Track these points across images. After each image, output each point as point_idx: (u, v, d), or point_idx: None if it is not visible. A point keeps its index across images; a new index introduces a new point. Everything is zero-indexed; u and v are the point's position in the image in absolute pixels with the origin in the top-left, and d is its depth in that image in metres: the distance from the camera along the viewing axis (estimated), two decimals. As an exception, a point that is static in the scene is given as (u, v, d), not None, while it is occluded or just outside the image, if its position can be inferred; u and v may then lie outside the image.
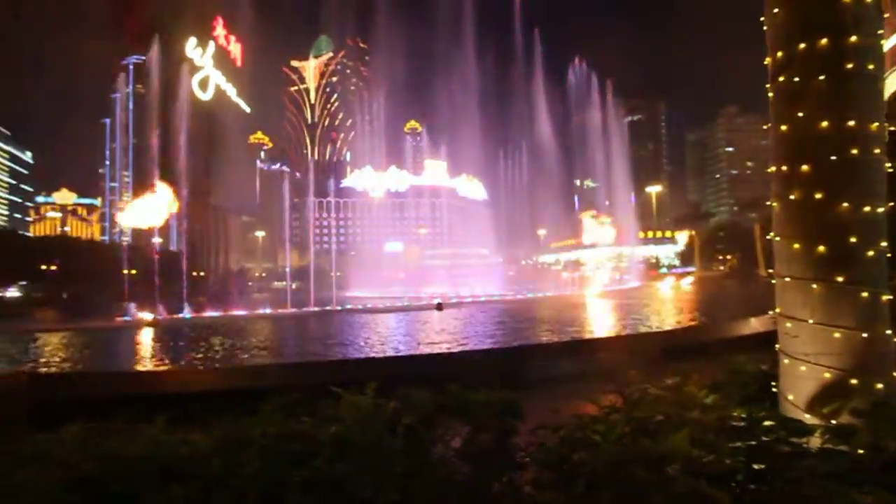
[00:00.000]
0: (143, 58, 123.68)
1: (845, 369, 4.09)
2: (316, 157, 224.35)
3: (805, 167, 4.31)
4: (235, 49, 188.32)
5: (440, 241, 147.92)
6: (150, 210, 51.35)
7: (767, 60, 4.68)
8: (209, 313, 44.49)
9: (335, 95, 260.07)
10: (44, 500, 2.74)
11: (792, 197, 4.40)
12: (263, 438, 3.33)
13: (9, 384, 9.28)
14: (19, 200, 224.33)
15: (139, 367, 19.31)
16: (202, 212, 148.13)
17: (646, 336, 19.98)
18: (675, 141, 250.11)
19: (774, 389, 4.70)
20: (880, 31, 4.40)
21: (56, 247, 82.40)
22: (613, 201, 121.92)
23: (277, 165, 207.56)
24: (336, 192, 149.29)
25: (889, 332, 4.20)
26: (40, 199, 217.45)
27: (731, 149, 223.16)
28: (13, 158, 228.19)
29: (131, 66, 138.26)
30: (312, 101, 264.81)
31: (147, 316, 38.64)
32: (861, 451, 3.16)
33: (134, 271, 62.22)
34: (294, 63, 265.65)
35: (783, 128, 4.49)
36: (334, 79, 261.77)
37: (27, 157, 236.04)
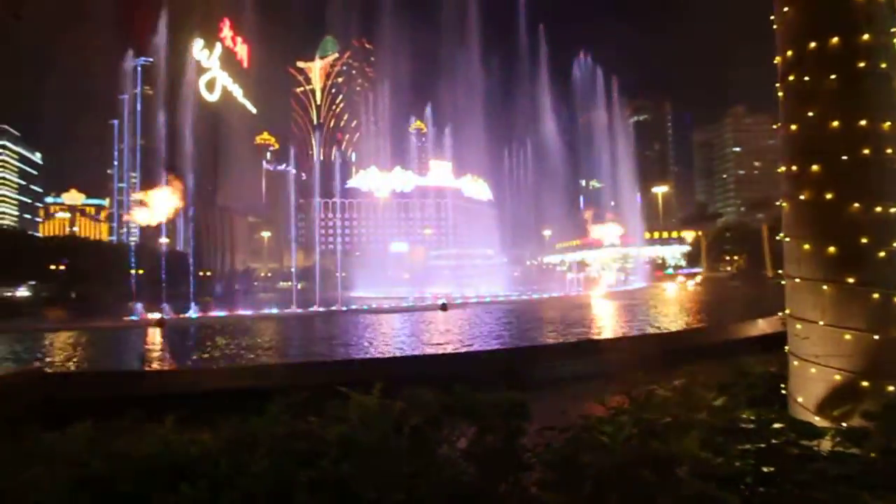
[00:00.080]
0: (151, 59, 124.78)
1: (856, 371, 4.04)
2: (321, 157, 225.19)
3: (816, 167, 4.27)
4: (242, 50, 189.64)
5: (445, 241, 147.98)
6: (158, 204, 51.70)
7: (777, 59, 4.64)
8: (215, 313, 44.71)
9: (341, 96, 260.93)
10: (54, 498, 2.76)
11: (802, 197, 4.36)
12: (271, 438, 3.34)
13: (18, 383, 9.37)
14: (29, 201, 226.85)
15: (146, 367, 19.44)
16: (209, 212, 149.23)
17: (651, 337, 19.88)
18: (681, 141, 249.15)
19: (783, 391, 4.66)
20: (893, 30, 4.34)
21: (64, 247, 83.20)
22: (619, 202, 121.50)
23: (283, 166, 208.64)
24: (341, 193, 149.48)
25: (901, 333, 4.15)
26: (49, 199, 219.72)
27: (738, 149, 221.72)
28: (23, 159, 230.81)
29: (139, 68, 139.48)
30: (318, 102, 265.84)
31: (154, 315, 38.89)
32: (873, 455, 3.11)
33: (141, 271, 62.72)
34: (300, 64, 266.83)
35: (793, 127, 4.45)
36: (340, 79, 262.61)
37: (36, 157, 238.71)
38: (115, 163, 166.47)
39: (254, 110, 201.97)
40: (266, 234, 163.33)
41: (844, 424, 3.73)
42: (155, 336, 29.80)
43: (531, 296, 62.67)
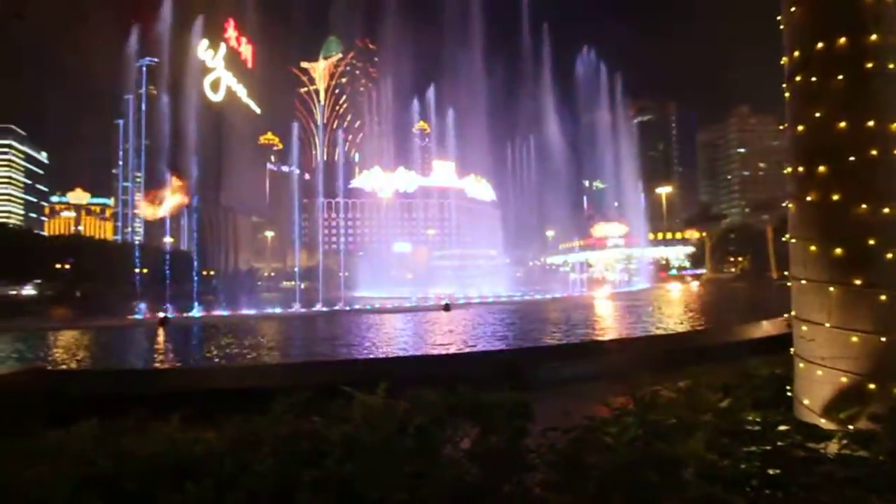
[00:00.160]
0: (156, 59, 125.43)
1: (863, 374, 4.01)
2: (325, 157, 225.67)
3: (822, 168, 4.24)
4: (246, 50, 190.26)
5: (448, 241, 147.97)
6: (164, 200, 52.17)
7: (784, 60, 4.61)
8: (219, 312, 44.85)
9: (344, 97, 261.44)
10: (60, 495, 2.77)
11: (809, 198, 4.33)
12: (274, 438, 3.34)
13: (22, 381, 9.42)
14: (34, 200, 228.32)
15: (151, 365, 19.52)
16: (212, 211, 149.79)
17: (655, 339, 19.81)
18: (685, 141, 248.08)
19: (789, 394, 4.63)
20: (901, 30, 4.31)
21: (70, 246, 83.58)
22: (622, 202, 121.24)
23: (287, 166, 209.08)
24: (345, 193, 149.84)
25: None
26: (55, 198, 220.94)
27: (743, 149, 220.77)
28: (29, 158, 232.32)
29: (144, 68, 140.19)
30: (322, 102, 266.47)
31: (158, 314, 39.03)
32: (881, 458, 3.09)
33: (145, 270, 63.03)
34: (304, 64, 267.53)
35: (800, 128, 4.42)
36: (343, 80, 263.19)
37: (42, 157, 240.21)
38: (120, 162, 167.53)
39: (258, 110, 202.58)
40: (269, 234, 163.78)
41: (851, 427, 3.70)
42: (158, 335, 29.92)
43: (534, 296, 62.60)
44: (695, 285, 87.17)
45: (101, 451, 3.16)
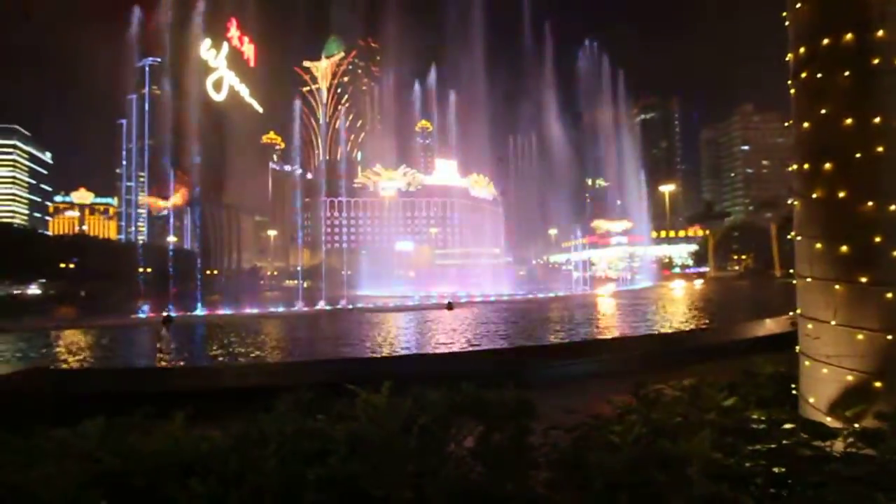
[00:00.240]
0: (159, 59, 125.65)
1: (869, 372, 3.99)
2: (328, 156, 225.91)
3: (828, 165, 4.21)
4: (249, 50, 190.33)
5: (451, 240, 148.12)
6: (169, 195, 52.56)
7: (789, 56, 4.58)
8: (222, 311, 45.00)
9: (346, 96, 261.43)
10: (66, 493, 2.78)
11: (814, 195, 4.31)
12: (279, 436, 3.35)
13: (28, 380, 9.48)
14: (39, 199, 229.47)
15: (155, 364, 19.61)
16: (215, 211, 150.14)
17: (659, 337, 19.78)
18: (688, 139, 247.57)
19: (794, 392, 4.62)
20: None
21: (74, 245, 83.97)
22: (625, 200, 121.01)
23: (289, 166, 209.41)
24: (347, 192, 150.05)
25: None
26: (59, 198, 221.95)
27: (746, 147, 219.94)
28: (33, 158, 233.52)
29: (147, 68, 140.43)
30: (324, 101, 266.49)
31: (162, 313, 39.19)
32: (888, 457, 3.07)
33: (149, 269, 63.27)
34: (306, 63, 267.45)
35: (805, 125, 4.39)
36: (346, 79, 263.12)
37: (46, 157, 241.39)
38: (124, 162, 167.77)
39: (260, 110, 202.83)
40: (272, 233, 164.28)
41: (857, 425, 3.69)
42: (162, 334, 30.04)
43: (537, 295, 62.57)
44: (699, 283, 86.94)
45: (106, 450, 3.17)
